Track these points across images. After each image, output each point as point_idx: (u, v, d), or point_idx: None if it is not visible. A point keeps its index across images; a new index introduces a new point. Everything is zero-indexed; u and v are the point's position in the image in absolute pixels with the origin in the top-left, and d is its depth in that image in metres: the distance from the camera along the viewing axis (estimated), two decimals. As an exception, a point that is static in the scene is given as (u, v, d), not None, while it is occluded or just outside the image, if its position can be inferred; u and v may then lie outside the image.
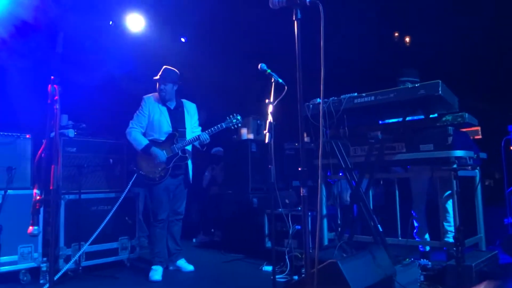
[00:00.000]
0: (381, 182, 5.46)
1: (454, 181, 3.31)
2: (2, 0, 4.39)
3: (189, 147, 4.19)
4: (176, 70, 4.22)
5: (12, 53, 4.59)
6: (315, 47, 2.29)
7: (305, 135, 4.23)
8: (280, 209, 4.30)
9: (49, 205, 2.54)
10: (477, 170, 3.88)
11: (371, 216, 3.59)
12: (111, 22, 5.99)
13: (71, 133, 4.17)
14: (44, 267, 3.79)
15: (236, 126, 4.10)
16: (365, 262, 2.90)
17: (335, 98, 3.68)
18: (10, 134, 3.87)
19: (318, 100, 3.73)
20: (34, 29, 4.61)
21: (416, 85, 3.28)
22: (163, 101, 4.17)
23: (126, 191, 4.11)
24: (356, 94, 3.59)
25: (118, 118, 4.67)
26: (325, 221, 4.17)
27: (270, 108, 3.34)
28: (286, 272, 3.89)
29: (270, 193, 3.45)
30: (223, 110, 4.45)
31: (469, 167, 3.54)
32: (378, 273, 2.90)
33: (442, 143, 3.34)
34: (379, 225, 3.57)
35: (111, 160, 4.43)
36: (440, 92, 3.14)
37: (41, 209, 2.92)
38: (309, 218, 4.07)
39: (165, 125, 4.11)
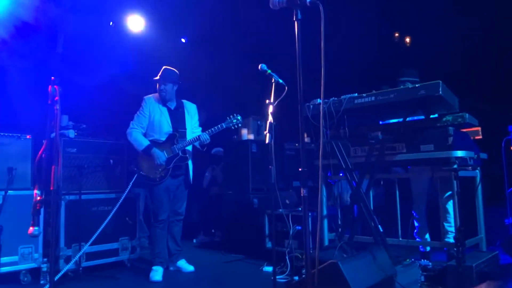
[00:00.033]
0: (382, 183, 5.46)
1: (455, 182, 3.31)
2: (2, 0, 4.39)
3: (189, 148, 4.20)
4: (176, 70, 4.23)
5: (12, 53, 4.59)
6: (315, 47, 2.29)
7: (305, 135, 4.23)
8: (280, 210, 4.30)
9: (50, 206, 2.54)
10: (477, 171, 3.88)
11: (372, 217, 3.59)
12: (111, 23, 5.99)
13: (71, 133, 4.17)
14: (44, 267, 3.79)
15: (236, 126, 4.10)
16: (365, 263, 2.90)
17: (336, 98, 3.68)
18: (10, 134, 3.88)
19: (319, 100, 3.73)
20: (34, 29, 4.62)
21: (417, 85, 3.28)
22: (163, 101, 4.17)
23: (126, 191, 4.11)
24: (356, 94, 3.59)
25: (118, 119, 4.68)
26: (325, 222, 4.17)
27: (271, 109, 3.34)
28: (287, 272, 3.89)
29: (270, 194, 3.45)
30: (223, 110, 4.45)
31: (470, 167, 3.53)
32: (378, 273, 2.90)
33: (442, 144, 3.34)
34: (379, 226, 3.57)
35: (111, 161, 4.43)
36: (440, 92, 3.13)
37: (42, 210, 2.92)
38: (310, 219, 4.06)
39: (166, 126, 4.12)
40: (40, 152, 2.90)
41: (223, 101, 6.44)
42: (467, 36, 6.14)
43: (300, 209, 4.49)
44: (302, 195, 2.22)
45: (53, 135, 2.60)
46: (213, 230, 6.04)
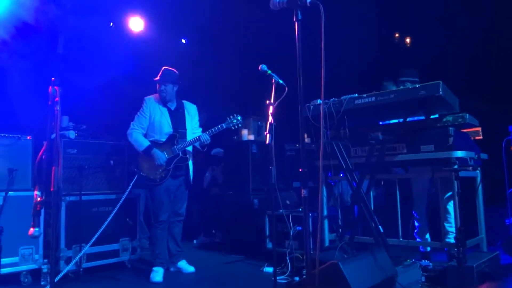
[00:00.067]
0: (382, 183, 5.46)
1: (455, 182, 3.31)
2: (3, 1, 4.40)
3: (189, 148, 4.20)
4: (176, 71, 4.23)
5: (13, 54, 4.59)
6: (315, 48, 2.29)
7: (305, 136, 4.23)
8: (281, 210, 4.29)
9: (50, 207, 2.54)
10: (478, 171, 3.88)
11: (372, 217, 3.59)
12: (111, 24, 5.99)
13: (71, 134, 4.17)
14: (45, 268, 3.79)
15: (236, 126, 4.10)
16: (366, 263, 2.90)
17: (336, 99, 3.69)
18: (11, 135, 3.88)
19: (319, 101, 3.73)
20: (35, 30, 4.62)
21: (417, 86, 3.28)
22: (163, 102, 4.18)
23: (127, 192, 4.11)
24: (356, 95, 3.59)
25: (118, 119, 4.67)
26: (326, 222, 4.17)
27: (271, 109, 3.34)
28: (287, 273, 3.88)
29: (270, 194, 3.45)
30: (223, 111, 4.45)
31: (470, 167, 3.53)
32: (379, 274, 2.90)
33: (443, 144, 3.34)
34: (380, 226, 3.57)
35: (112, 162, 4.43)
36: (440, 92, 3.14)
37: (42, 211, 2.92)
38: (310, 219, 4.06)
39: (166, 126, 4.12)
40: (40, 153, 2.90)
41: (224, 101, 6.44)
42: (467, 36, 6.15)
43: (300, 209, 4.49)
44: (302, 195, 2.22)
45: (53, 136, 2.60)
46: (213, 231, 6.04)
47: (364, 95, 3.52)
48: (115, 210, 4.05)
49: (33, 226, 2.48)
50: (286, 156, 5.69)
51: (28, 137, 3.98)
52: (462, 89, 3.86)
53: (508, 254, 4.05)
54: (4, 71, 4.62)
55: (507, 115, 4.90)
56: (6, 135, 3.85)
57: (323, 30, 2.17)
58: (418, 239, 4.18)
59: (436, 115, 3.62)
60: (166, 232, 4.18)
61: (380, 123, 4.07)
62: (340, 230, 3.95)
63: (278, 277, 3.54)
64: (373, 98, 3.47)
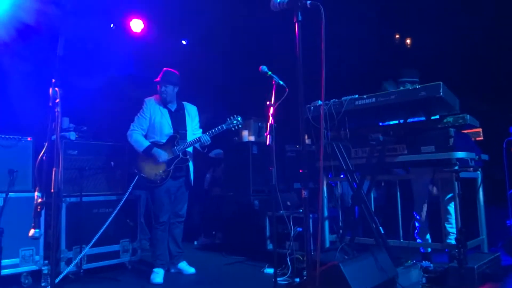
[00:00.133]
0: (383, 184, 5.46)
1: (456, 183, 3.31)
2: (3, 3, 4.40)
3: (190, 149, 4.20)
4: (176, 72, 4.23)
5: (13, 55, 4.60)
6: (316, 49, 2.29)
7: (306, 137, 4.22)
8: (281, 211, 4.29)
9: (51, 208, 2.53)
10: (478, 172, 3.88)
11: (373, 218, 3.59)
12: (112, 25, 6.00)
13: (72, 135, 4.17)
14: (45, 270, 3.79)
15: (236, 127, 4.10)
16: (367, 264, 2.90)
17: (336, 100, 3.69)
18: (11, 137, 3.88)
19: (319, 102, 3.73)
20: (35, 32, 4.63)
21: (417, 87, 3.28)
22: (164, 103, 4.18)
23: (127, 193, 4.11)
24: (357, 96, 3.59)
25: (119, 121, 4.68)
26: (326, 223, 4.16)
27: (271, 110, 3.34)
28: (288, 274, 3.88)
29: (271, 195, 3.45)
30: (224, 112, 4.45)
31: (471, 168, 3.53)
32: (380, 275, 2.90)
33: (443, 145, 3.34)
34: (380, 227, 3.56)
35: (112, 163, 4.43)
36: (441, 93, 3.13)
37: (43, 212, 2.92)
38: (311, 220, 4.06)
39: (166, 127, 4.12)
40: (41, 154, 2.90)
41: (224, 103, 6.44)
42: (467, 36, 6.14)
43: (301, 210, 4.49)
44: (303, 196, 2.22)
45: (54, 137, 2.60)
46: (214, 232, 6.04)
47: (365, 96, 3.52)
48: (116, 211, 4.05)
49: (34, 227, 2.48)
50: (287, 157, 5.69)
51: (29, 139, 3.98)
52: (463, 90, 3.86)
53: (509, 255, 4.04)
54: (5, 73, 4.62)
55: (508, 115, 4.90)
56: (7, 136, 3.85)
57: (323, 31, 2.17)
58: (418, 240, 4.18)
59: (437, 116, 3.61)
60: (167, 233, 4.18)
61: (381, 124, 4.07)
62: (341, 231, 3.95)
63: (278, 278, 3.54)
64: (374, 99, 3.47)
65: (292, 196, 5.05)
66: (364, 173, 3.72)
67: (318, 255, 2.28)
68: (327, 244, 4.09)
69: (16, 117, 4.42)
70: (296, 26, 2.25)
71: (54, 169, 2.40)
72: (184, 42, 6.99)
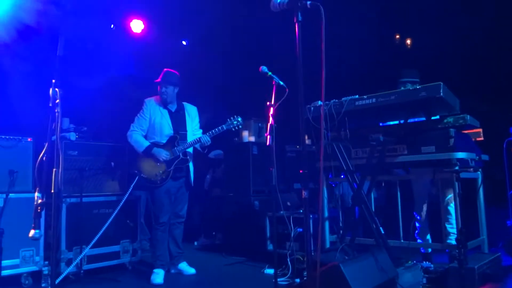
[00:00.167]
0: (383, 184, 5.46)
1: (456, 183, 3.31)
2: (4, 3, 4.40)
3: (190, 150, 4.19)
4: (177, 73, 4.23)
5: (14, 56, 4.60)
6: (316, 49, 2.29)
7: (306, 137, 4.22)
8: (281, 212, 4.29)
9: (51, 209, 2.53)
10: (479, 172, 3.87)
11: (373, 218, 3.59)
12: (112, 26, 6.00)
13: (72, 136, 4.18)
14: (45, 270, 3.78)
15: (236, 128, 4.09)
16: (367, 265, 2.90)
17: (336, 100, 3.69)
18: (12, 137, 3.88)
19: (320, 102, 3.73)
20: (35, 32, 4.63)
21: (417, 87, 3.28)
22: (164, 104, 4.18)
23: (127, 194, 4.11)
24: (357, 96, 3.59)
25: (119, 121, 4.68)
26: (326, 224, 4.16)
27: (271, 111, 3.34)
28: (288, 275, 3.88)
29: (271, 196, 3.45)
30: (224, 112, 4.45)
31: (471, 169, 3.53)
32: (380, 275, 2.89)
33: (443, 145, 3.34)
34: (381, 227, 3.56)
35: (112, 163, 4.43)
36: (441, 94, 3.13)
37: (43, 213, 2.92)
38: (311, 221, 4.06)
39: (166, 128, 4.12)
40: (41, 155, 2.90)
41: (224, 103, 6.44)
42: (467, 36, 6.14)
43: (301, 211, 4.49)
44: (303, 197, 2.22)
45: (54, 137, 2.60)
46: (214, 233, 6.03)
47: (365, 97, 3.52)
48: (116, 211, 4.05)
49: (34, 228, 2.48)
50: (287, 157, 5.69)
51: (29, 139, 3.98)
52: (463, 90, 3.86)
53: (509, 255, 4.04)
54: (5, 73, 4.62)
55: (508, 116, 4.89)
56: (7, 137, 3.85)
57: (323, 31, 2.17)
58: (419, 241, 4.17)
59: (437, 116, 3.61)
60: (167, 234, 4.17)
61: (381, 124, 4.07)
62: (341, 231, 3.94)
63: (279, 279, 3.54)
64: (374, 100, 3.47)
65: (292, 196, 5.05)
66: (364, 173, 3.72)
67: (318, 255, 2.28)
68: (328, 245, 4.09)
69: (16, 118, 4.42)
70: (296, 26, 2.25)
71: (54, 169, 2.40)
72: (184, 43, 6.99)
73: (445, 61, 6.22)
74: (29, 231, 2.46)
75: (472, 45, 6.15)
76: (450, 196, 3.83)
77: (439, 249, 3.94)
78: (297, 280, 3.68)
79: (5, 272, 3.56)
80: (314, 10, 2.19)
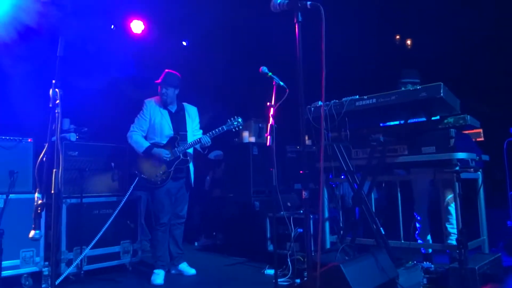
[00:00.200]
0: (383, 185, 5.45)
1: (457, 183, 3.30)
2: (4, 4, 4.41)
3: (190, 150, 4.19)
4: (178, 74, 4.23)
5: (14, 57, 4.60)
6: (316, 49, 2.29)
7: (306, 138, 4.23)
8: (282, 212, 4.29)
9: (51, 209, 2.53)
10: (479, 173, 3.87)
11: (373, 219, 3.58)
12: (112, 26, 6.00)
13: (72, 137, 4.18)
14: (46, 271, 3.78)
15: (237, 128, 4.09)
16: (367, 265, 2.89)
17: (337, 100, 3.69)
18: (12, 138, 3.88)
19: (320, 102, 3.73)
20: (36, 33, 4.63)
21: (418, 87, 3.28)
22: (164, 104, 4.18)
23: (127, 194, 4.11)
24: (357, 96, 3.59)
25: (119, 122, 4.68)
26: (327, 224, 4.16)
27: (272, 111, 3.34)
28: (288, 275, 3.88)
29: (272, 196, 3.45)
30: (224, 113, 4.45)
31: (472, 169, 3.52)
32: (380, 276, 2.89)
33: (444, 145, 3.33)
34: (381, 228, 3.56)
35: (113, 164, 4.43)
36: (441, 94, 3.13)
37: (43, 213, 2.92)
38: (311, 221, 4.05)
39: (167, 129, 4.12)
40: (41, 156, 2.90)
41: (225, 104, 6.44)
42: (467, 37, 6.14)
43: (301, 211, 4.48)
44: (303, 197, 2.22)
45: (54, 138, 2.60)
46: (214, 233, 6.03)
47: (365, 97, 3.52)
48: (116, 212, 4.05)
49: (34, 229, 2.48)
50: (287, 158, 5.69)
51: (29, 140, 3.98)
52: (463, 90, 3.86)
53: (510, 255, 4.04)
54: (5, 74, 4.62)
55: (508, 116, 4.89)
56: (7, 137, 3.85)
57: (323, 32, 2.17)
58: (419, 241, 4.17)
59: (437, 117, 3.61)
60: (167, 234, 4.17)
61: (381, 124, 4.07)
62: (341, 232, 3.94)
63: (279, 279, 3.54)
64: (374, 100, 3.46)
65: (293, 197, 5.04)
66: (365, 174, 3.71)
67: (318, 256, 2.28)
68: (328, 245, 4.09)
69: (17, 118, 4.42)
70: (296, 27, 2.25)
71: (54, 170, 2.40)
72: (184, 43, 6.99)
73: (445, 61, 6.22)
74: (29, 232, 2.46)
75: (472, 46, 6.15)
76: (451, 196, 3.83)
77: (440, 249, 3.94)
78: (298, 280, 3.67)
79: (5, 273, 3.55)
80: (314, 10, 2.19)
